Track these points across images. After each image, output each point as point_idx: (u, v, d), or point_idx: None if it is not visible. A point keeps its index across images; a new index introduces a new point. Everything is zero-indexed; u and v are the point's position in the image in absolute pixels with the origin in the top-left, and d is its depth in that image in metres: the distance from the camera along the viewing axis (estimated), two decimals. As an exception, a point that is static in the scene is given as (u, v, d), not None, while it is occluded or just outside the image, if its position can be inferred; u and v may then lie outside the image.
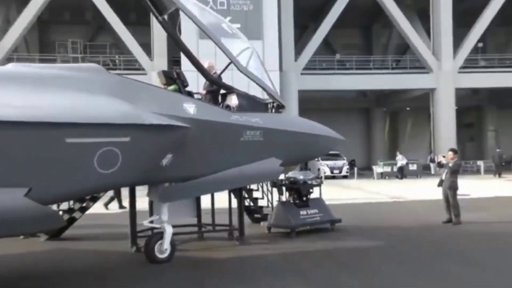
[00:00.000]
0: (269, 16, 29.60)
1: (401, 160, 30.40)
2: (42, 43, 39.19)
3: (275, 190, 11.39)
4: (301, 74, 32.79)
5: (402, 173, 29.99)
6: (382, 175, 30.63)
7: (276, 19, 30.12)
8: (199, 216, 10.15)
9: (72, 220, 10.21)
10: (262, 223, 11.36)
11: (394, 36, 40.68)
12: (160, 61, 30.29)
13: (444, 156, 12.19)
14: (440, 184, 11.94)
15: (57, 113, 5.96)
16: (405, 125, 47.62)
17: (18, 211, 5.75)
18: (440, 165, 12.43)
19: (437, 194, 12.61)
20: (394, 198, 18.61)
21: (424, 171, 31.89)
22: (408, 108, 44.57)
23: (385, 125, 46.72)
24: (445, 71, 33.70)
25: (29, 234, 9.59)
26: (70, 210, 10.19)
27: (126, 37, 31.09)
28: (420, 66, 35.45)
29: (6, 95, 5.88)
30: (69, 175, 6.10)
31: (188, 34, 21.38)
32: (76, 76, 6.73)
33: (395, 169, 30.58)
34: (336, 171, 31.40)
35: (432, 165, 31.62)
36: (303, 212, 10.61)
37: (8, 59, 28.62)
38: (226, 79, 8.96)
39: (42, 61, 31.26)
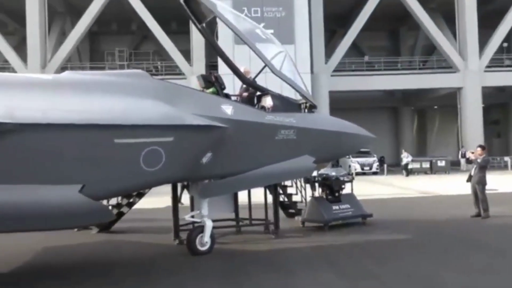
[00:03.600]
0: (301, 22, 29.45)
1: (406, 158, 29.55)
2: (92, 52, 40.21)
3: (308, 186, 11.30)
4: (332, 75, 32.49)
5: (407, 170, 29.06)
6: (411, 171, 29.98)
7: (307, 24, 29.93)
8: (236, 211, 10.16)
9: (120, 215, 10.40)
10: (296, 218, 11.29)
11: (421, 38, 39.82)
12: (199, 66, 30.58)
13: (472, 152, 11.83)
14: (469, 180, 11.58)
15: (107, 116, 6.10)
16: (433, 123, 46.51)
17: (74, 205, 5.91)
18: (468, 161, 12.08)
19: (466, 189, 12.24)
20: (423, 193, 18.18)
21: (452, 167, 31.05)
22: (435, 107, 43.51)
23: (413, 123, 45.74)
24: (471, 70, 32.80)
25: (82, 227, 9.82)
26: (118, 205, 10.38)
27: (167, 45, 31.53)
28: (447, 66, 34.60)
29: (63, 100, 6.07)
30: (118, 172, 6.23)
31: (224, 40, 21.55)
32: (123, 82, 6.85)
33: (424, 165, 29.82)
34: (366, 168, 30.99)
35: (462, 160, 30.63)
36: (335, 207, 10.48)
37: (63, 68, 29.54)
38: (260, 81, 8.94)
39: (92, 68, 32.14)
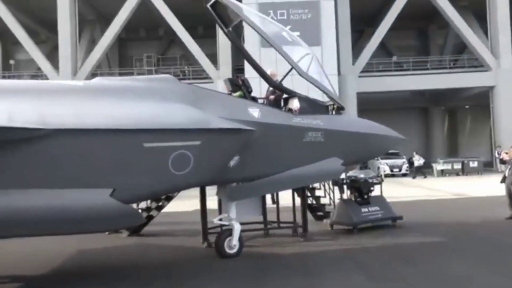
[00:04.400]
0: (327, 23, 29.29)
1: (418, 160, 28.79)
2: (121, 58, 40.98)
3: (336, 188, 11.20)
4: (359, 76, 32.17)
5: (421, 173, 28.31)
6: (443, 173, 29.37)
7: (334, 25, 29.76)
8: (264, 214, 10.16)
9: (149, 218, 10.54)
10: (324, 220, 11.21)
11: (450, 36, 38.98)
12: (225, 69, 30.77)
13: (506, 153, 11.51)
14: (503, 181, 11.27)
15: (136, 121, 6.21)
16: (464, 123, 45.42)
17: (105, 209, 6.04)
18: (502, 161, 11.75)
19: (500, 190, 11.90)
20: (455, 195, 17.78)
21: (485, 168, 30.25)
22: (467, 106, 42.50)
23: (444, 123, 44.79)
24: (504, 69, 31.92)
25: (113, 230, 10.00)
26: (147, 209, 10.52)
27: (194, 49, 31.86)
28: (478, 65, 33.77)
29: (94, 106, 6.22)
30: (147, 176, 6.33)
31: (251, 44, 21.64)
32: (152, 87, 6.97)
33: (455, 166, 29.15)
34: (395, 170, 30.50)
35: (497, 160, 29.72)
36: (364, 210, 10.36)
37: (93, 74, 30.21)
38: (287, 84, 8.93)
39: (121, 74, 32.75)
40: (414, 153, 30.19)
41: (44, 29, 37.26)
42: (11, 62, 38.27)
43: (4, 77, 34.69)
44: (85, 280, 6.97)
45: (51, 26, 33.67)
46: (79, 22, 32.90)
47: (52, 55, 34.20)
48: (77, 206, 5.94)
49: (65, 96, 6.41)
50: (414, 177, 28.03)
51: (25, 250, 8.83)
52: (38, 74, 33.74)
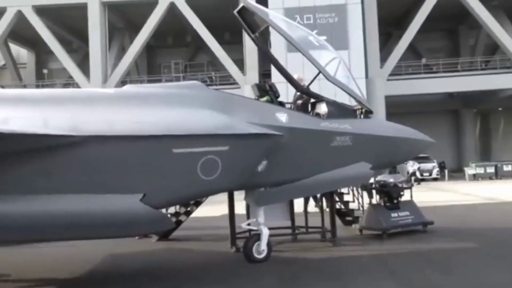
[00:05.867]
0: (354, 27, 29.06)
1: (411, 166, 27.87)
2: (149, 65, 41.65)
3: (365, 193, 11.08)
4: (387, 80, 31.74)
5: (416, 179, 27.45)
6: (475, 177, 28.65)
7: (361, 28, 29.49)
8: (292, 218, 10.13)
9: (178, 223, 10.65)
10: (353, 225, 11.10)
11: (482, 37, 38.03)
12: (252, 75, 30.86)
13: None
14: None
15: (166, 127, 6.32)
16: (497, 126, 44.18)
17: (136, 214, 6.15)
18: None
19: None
20: (487, 199, 17.32)
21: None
22: (500, 108, 41.36)
23: (476, 126, 43.71)
24: (539, 69, 30.94)
25: (143, 235, 10.15)
26: (176, 214, 10.64)
27: (221, 55, 32.12)
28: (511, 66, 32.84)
29: (125, 113, 6.36)
30: (177, 181, 6.41)
31: (277, 49, 21.65)
32: (180, 93, 7.09)
33: (488, 170, 28.38)
34: (426, 174, 29.94)
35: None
36: (394, 214, 10.21)
37: (122, 82, 30.81)
38: (314, 88, 8.91)
39: (150, 81, 33.30)
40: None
41: (75, 39, 38.24)
42: (45, 71, 39.42)
43: (38, 86, 35.77)
44: (116, 284, 7.10)
45: (82, 36, 34.54)
46: (109, 30, 33.64)
47: (83, 64, 35.04)
48: (109, 211, 6.06)
49: (97, 103, 6.58)
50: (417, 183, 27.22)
51: (59, 254, 9.05)
52: (70, 82, 34.65)
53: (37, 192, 5.79)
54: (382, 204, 10.50)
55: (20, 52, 41.78)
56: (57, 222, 5.86)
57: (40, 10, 32.57)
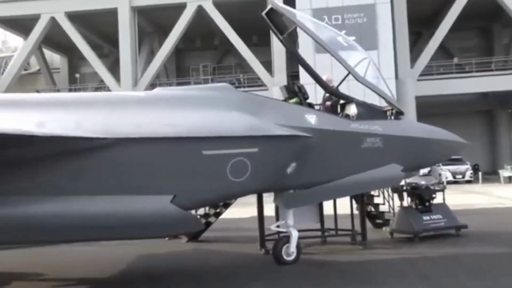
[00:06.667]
0: (383, 26, 28.73)
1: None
2: (178, 68, 42.18)
3: (396, 195, 10.90)
4: (418, 80, 31.21)
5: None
6: (510, 179, 27.83)
7: (391, 28, 29.13)
8: (322, 221, 10.06)
9: (208, 224, 10.72)
10: (384, 228, 10.94)
11: (517, 35, 37.02)
12: (280, 76, 30.87)
13: None
14: None
15: (195, 129, 6.38)
16: (534, 126, 42.82)
17: (166, 215, 6.22)
18: None
19: None
20: (525, 203, 16.79)
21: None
22: (537, 108, 40.09)
23: (511, 127, 42.44)
24: None
25: (173, 236, 10.26)
26: (206, 215, 10.72)
27: (249, 57, 32.26)
28: (549, 64, 31.79)
29: (155, 115, 6.46)
30: (206, 183, 6.46)
31: (305, 50, 21.55)
32: (209, 95, 7.15)
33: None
34: (458, 176, 29.26)
35: None
36: (426, 217, 10.01)
37: (152, 85, 31.29)
38: (343, 89, 8.84)
39: (178, 84, 33.69)
40: None
41: (106, 44, 39.09)
42: (77, 75, 40.47)
43: (70, 90, 36.71)
44: (146, 284, 7.20)
45: (113, 41, 35.27)
46: (139, 35, 34.24)
47: (114, 68, 35.78)
48: (140, 212, 6.14)
49: (128, 106, 6.70)
50: None
51: (90, 254, 9.23)
52: (101, 86, 35.41)
53: (70, 194, 5.92)
54: (414, 206, 10.31)
55: (54, 58, 43.01)
56: (89, 223, 5.97)
57: (72, 16, 33.43)
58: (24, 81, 38.78)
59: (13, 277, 7.71)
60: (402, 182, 10.20)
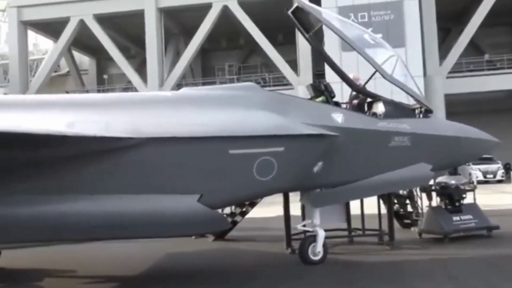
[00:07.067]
0: (411, 23, 28.30)
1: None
2: (204, 68, 42.52)
3: (424, 195, 10.72)
4: (447, 77, 30.63)
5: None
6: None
7: (419, 25, 28.66)
8: (348, 220, 9.98)
9: (234, 223, 10.77)
10: (412, 229, 10.78)
11: (551, 30, 35.90)
12: (306, 75, 30.77)
13: None
14: None
15: (222, 128, 6.43)
16: None
17: (193, 214, 6.28)
18: None
19: None
20: (560, 203, 16.27)
21: None
22: None
23: (545, 125, 41.17)
24: None
25: (200, 235, 10.35)
26: (232, 214, 10.77)
27: (274, 56, 32.25)
28: None
29: (182, 115, 6.53)
30: (233, 182, 6.50)
31: (331, 48, 21.43)
32: (236, 95, 7.19)
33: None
34: (489, 176, 28.57)
35: None
36: (455, 218, 9.80)
37: (178, 85, 31.63)
38: (369, 87, 8.75)
39: (204, 84, 33.96)
40: None
41: (133, 45, 39.71)
42: (105, 76, 41.23)
43: (99, 91, 37.43)
44: (173, 282, 7.28)
45: (140, 42, 35.80)
46: (165, 36, 34.65)
47: (141, 69, 36.30)
48: (167, 211, 6.22)
49: (155, 106, 6.79)
50: None
51: (118, 252, 9.40)
52: (128, 87, 35.98)
53: (100, 193, 6.03)
54: (443, 207, 10.12)
55: (83, 59, 43.98)
56: (117, 222, 6.07)
57: (100, 19, 34.09)
58: (54, 82, 39.75)
59: (45, 273, 7.93)
60: (431, 182, 10.03)
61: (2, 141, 5.39)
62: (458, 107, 30.61)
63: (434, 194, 10.39)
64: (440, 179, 10.46)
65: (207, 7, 32.51)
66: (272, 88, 29.73)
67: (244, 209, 10.69)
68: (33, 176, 5.85)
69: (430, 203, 10.43)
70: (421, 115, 8.50)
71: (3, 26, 43.80)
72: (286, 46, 34.07)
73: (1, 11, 42.34)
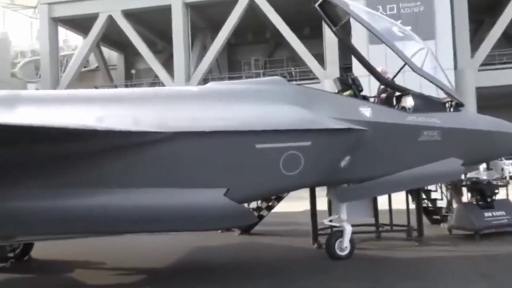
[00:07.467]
0: (442, 15, 27.69)
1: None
2: (230, 63, 42.62)
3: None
4: (479, 70, 29.86)
5: None
6: None
7: (449, 16, 28.00)
8: (376, 216, 9.88)
9: (260, 217, 10.79)
10: (442, 225, 10.59)
11: None
12: (332, 69, 30.49)
13: None
14: None
15: (248, 123, 6.43)
16: None
17: (220, 208, 6.32)
18: None
19: None
20: None
21: None
22: None
23: None
24: None
25: (226, 229, 10.41)
26: (258, 209, 10.79)
27: (301, 50, 32.07)
28: None
29: (209, 109, 6.57)
30: (259, 177, 6.50)
31: (358, 41, 21.14)
32: (262, 89, 7.17)
33: None
34: (523, 171, 27.74)
35: None
36: (487, 214, 9.58)
37: (204, 80, 31.82)
38: (398, 81, 8.60)
39: (230, 78, 34.04)
40: None
41: (160, 40, 40.10)
42: (133, 71, 41.80)
43: (126, 86, 37.99)
44: (198, 275, 7.36)
45: (167, 37, 36.13)
46: (191, 30, 34.87)
47: (168, 63, 36.64)
48: (194, 205, 6.28)
49: (182, 101, 6.84)
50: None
51: (145, 245, 9.54)
52: (155, 82, 36.39)
53: (127, 186, 6.12)
54: (474, 202, 9.91)
55: (111, 55, 44.67)
56: (145, 215, 6.15)
57: (128, 14, 34.54)
58: (83, 77, 40.56)
59: (76, 265, 8.12)
60: (462, 177, 9.83)
61: (34, 135, 5.53)
62: (490, 100, 29.83)
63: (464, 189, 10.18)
64: (471, 174, 10.24)
65: (234, 1, 32.54)
66: (298, 82, 29.58)
67: (270, 204, 10.70)
68: (64, 170, 5.98)
69: (460, 199, 10.22)
70: (451, 109, 8.32)
71: (35, 23, 44.92)
72: (313, 39, 33.81)
73: (33, 8, 43.37)
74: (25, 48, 45.26)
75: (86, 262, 8.39)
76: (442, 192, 11.06)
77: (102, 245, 9.23)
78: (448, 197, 10.88)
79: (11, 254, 8.38)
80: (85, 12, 34.97)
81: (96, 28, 35.16)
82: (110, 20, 34.69)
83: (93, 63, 43.42)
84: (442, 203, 11.05)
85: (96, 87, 33.14)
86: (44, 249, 8.90)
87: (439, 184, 10.95)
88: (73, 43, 44.98)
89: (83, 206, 5.96)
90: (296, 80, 32.43)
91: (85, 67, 41.64)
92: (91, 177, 6.06)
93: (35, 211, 5.84)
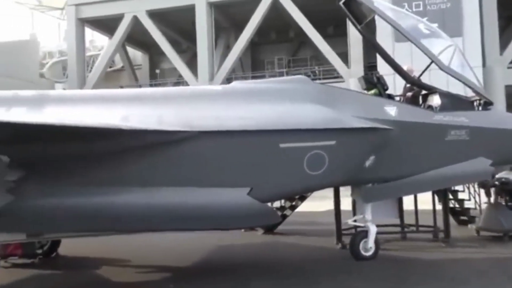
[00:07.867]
0: (470, 11, 27.08)
1: None
2: (253, 62, 42.58)
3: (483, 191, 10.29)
4: (508, 68, 29.11)
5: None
6: None
7: (478, 12, 27.37)
8: (401, 216, 9.75)
9: (283, 217, 10.78)
10: (469, 226, 10.38)
11: None
12: (357, 68, 30.16)
13: None
14: None
15: (272, 122, 6.43)
16: None
17: (244, 207, 6.35)
18: None
19: None
20: None
21: None
22: None
23: None
24: None
25: (250, 228, 10.43)
26: (281, 208, 10.79)
27: (325, 49, 31.83)
28: None
29: (233, 109, 6.59)
30: (283, 176, 6.50)
31: (383, 39, 20.90)
32: (286, 88, 7.16)
33: None
34: (555, 172, 26.94)
35: None
36: (517, 215, 9.35)
37: (228, 79, 31.92)
38: (424, 79, 8.47)
39: (254, 77, 34.06)
40: None
41: (184, 40, 40.37)
42: (157, 71, 42.23)
43: (151, 85, 38.41)
44: (222, 274, 7.40)
45: (191, 37, 36.35)
46: (215, 30, 35.01)
47: (192, 63, 36.87)
48: (218, 203, 6.32)
49: (206, 100, 6.89)
50: None
51: (170, 243, 9.64)
52: (179, 81, 36.68)
53: (153, 185, 6.19)
54: (504, 203, 9.68)
55: (136, 55, 45.21)
56: (169, 214, 6.22)
57: (153, 14, 34.90)
58: (109, 77, 41.16)
59: (102, 262, 8.28)
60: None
61: (61, 134, 5.65)
62: (520, 99, 29.07)
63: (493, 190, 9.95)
64: (500, 174, 10.00)
65: (257, 0, 32.52)
66: (322, 81, 29.40)
67: (294, 203, 10.68)
68: (90, 169, 6.09)
69: (488, 200, 10.00)
70: (480, 108, 8.15)
71: (62, 24, 45.84)
72: (337, 38, 33.52)
73: (60, 10, 44.24)
74: (53, 49, 46.18)
75: (112, 259, 8.54)
76: (469, 193, 10.83)
77: (126, 243, 9.37)
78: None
79: (39, 251, 8.58)
80: (111, 13, 35.50)
81: (122, 29, 35.65)
82: (135, 20, 35.14)
83: (119, 63, 44.02)
84: (469, 204, 10.84)
85: (121, 87, 33.61)
86: (71, 246, 9.08)
87: (467, 185, 10.73)
88: (99, 43, 45.69)
89: (109, 204, 6.06)
90: (320, 79, 32.22)
91: (110, 67, 42.24)
92: (116, 175, 6.15)
93: (62, 208, 5.96)
